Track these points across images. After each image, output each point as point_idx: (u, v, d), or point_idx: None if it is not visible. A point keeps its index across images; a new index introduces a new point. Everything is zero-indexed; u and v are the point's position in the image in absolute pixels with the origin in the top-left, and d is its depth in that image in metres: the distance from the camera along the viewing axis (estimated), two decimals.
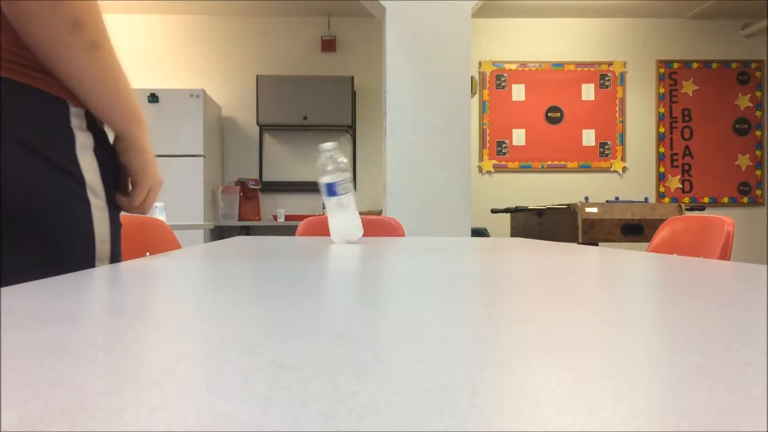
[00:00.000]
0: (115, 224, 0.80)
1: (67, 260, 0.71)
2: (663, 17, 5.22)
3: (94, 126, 0.77)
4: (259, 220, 4.76)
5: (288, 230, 4.98)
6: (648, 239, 3.08)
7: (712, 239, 1.33)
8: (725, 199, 5.25)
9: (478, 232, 4.43)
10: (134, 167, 0.81)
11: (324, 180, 1.25)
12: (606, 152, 5.21)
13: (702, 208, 3.57)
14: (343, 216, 1.26)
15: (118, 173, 0.82)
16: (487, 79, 5.18)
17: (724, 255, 1.27)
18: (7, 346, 0.23)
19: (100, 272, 0.54)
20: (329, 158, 1.26)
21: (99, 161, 0.77)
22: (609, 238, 3.12)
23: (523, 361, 0.21)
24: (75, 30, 0.68)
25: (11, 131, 0.66)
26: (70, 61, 0.69)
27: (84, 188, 0.74)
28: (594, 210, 3.13)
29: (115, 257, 0.80)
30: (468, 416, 0.15)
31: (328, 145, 1.25)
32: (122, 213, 0.85)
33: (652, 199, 5.22)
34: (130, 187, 0.84)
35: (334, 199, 1.25)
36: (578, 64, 5.20)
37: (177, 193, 4.22)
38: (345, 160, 1.26)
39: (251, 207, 4.80)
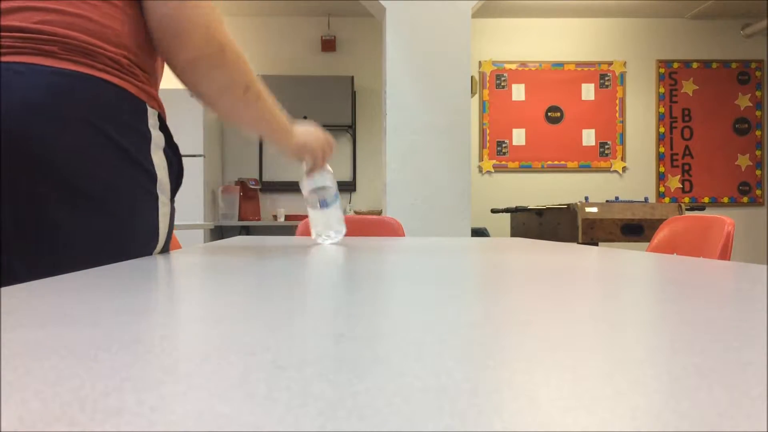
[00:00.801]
0: (172, 220, 0.87)
1: (129, 249, 0.76)
2: (663, 17, 5.22)
3: (165, 127, 0.84)
4: (259, 220, 4.76)
5: (288, 230, 4.98)
6: (648, 239, 3.08)
7: (712, 239, 1.33)
8: (725, 199, 5.25)
9: (478, 232, 4.43)
10: (299, 156, 1.10)
11: (304, 190, 1.25)
12: (606, 152, 5.21)
13: (702, 208, 3.57)
14: (320, 214, 1.24)
15: (181, 174, 0.90)
16: (487, 79, 5.18)
17: (724, 255, 1.27)
18: (7, 346, 0.23)
19: (100, 272, 0.54)
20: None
21: (168, 160, 0.84)
22: (609, 238, 3.12)
23: (523, 361, 0.21)
24: (245, 94, 0.87)
25: (96, 122, 0.72)
26: (238, 110, 0.90)
27: (155, 184, 0.80)
28: (594, 210, 3.13)
29: (165, 251, 0.87)
30: (468, 416, 0.15)
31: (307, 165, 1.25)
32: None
33: (652, 199, 5.22)
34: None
35: (316, 211, 1.23)
36: (578, 63, 5.20)
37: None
38: (329, 170, 1.25)
39: (251, 207, 4.80)
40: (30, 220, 0.69)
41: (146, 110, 0.79)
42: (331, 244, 1.24)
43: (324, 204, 1.22)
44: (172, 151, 0.85)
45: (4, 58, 0.69)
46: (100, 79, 0.73)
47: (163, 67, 0.90)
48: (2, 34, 0.70)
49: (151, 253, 0.81)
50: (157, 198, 0.81)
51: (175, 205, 0.92)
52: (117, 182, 0.74)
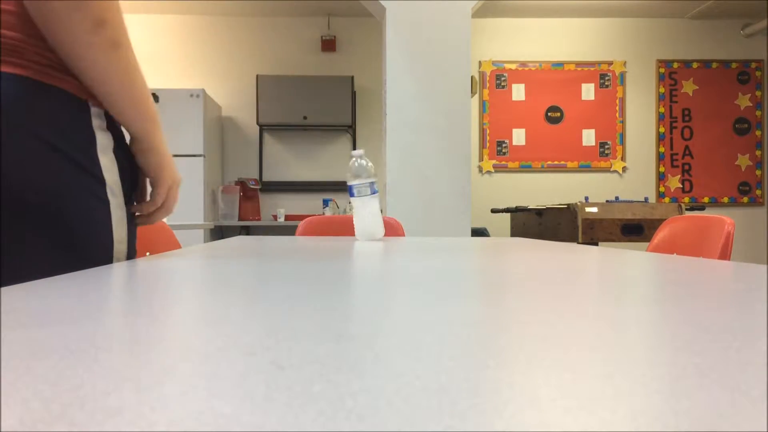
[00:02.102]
0: (131, 224, 0.82)
1: (86, 259, 0.72)
2: (663, 17, 5.22)
3: (113, 126, 0.78)
4: (259, 219, 4.76)
5: (288, 230, 4.98)
6: (648, 239, 3.08)
7: (712, 239, 1.33)
8: (725, 199, 5.25)
9: (478, 232, 4.43)
10: (152, 168, 0.82)
11: (349, 182, 1.39)
12: (606, 152, 5.21)
13: (702, 208, 3.57)
14: (364, 216, 1.38)
15: (136, 174, 0.83)
16: (487, 78, 5.18)
17: (724, 255, 1.27)
18: (7, 346, 0.23)
19: (100, 272, 0.54)
20: (356, 162, 1.39)
21: (118, 162, 0.78)
22: (609, 238, 3.12)
23: (523, 361, 0.21)
24: (96, 29, 0.68)
25: (34, 130, 0.66)
26: (90, 59, 0.69)
27: (104, 189, 0.75)
28: (594, 210, 3.13)
29: (131, 256, 0.82)
30: (468, 416, 0.15)
31: (355, 152, 1.39)
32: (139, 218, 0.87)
33: (652, 199, 5.22)
34: (149, 189, 0.85)
35: (356, 199, 1.36)
36: (578, 63, 5.20)
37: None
38: (370, 164, 1.38)
39: (251, 207, 4.80)
40: None
41: (89, 110, 0.73)
42: (370, 241, 1.34)
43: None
44: (122, 151, 0.79)
45: None
46: (34, 80, 0.67)
47: None
48: None
49: (111, 261, 0.76)
50: (108, 203, 0.75)
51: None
52: (62, 190, 0.69)
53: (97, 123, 0.74)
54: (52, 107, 0.69)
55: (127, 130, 0.80)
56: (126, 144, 0.81)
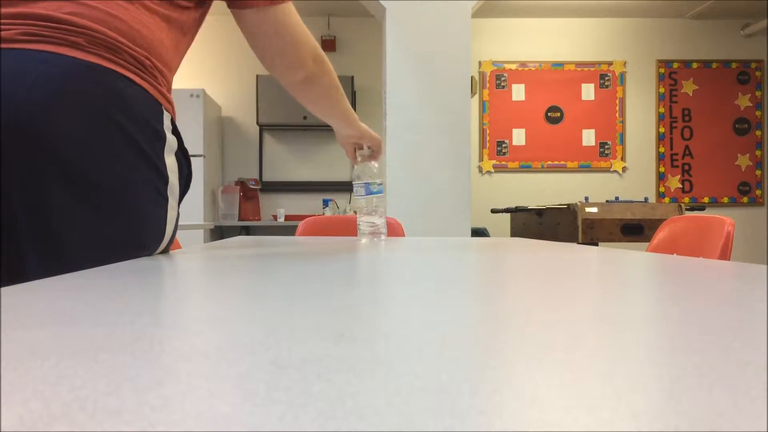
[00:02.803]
0: (176, 226, 0.87)
1: (137, 245, 0.76)
2: (663, 17, 5.22)
3: (177, 132, 0.84)
4: (259, 220, 4.76)
5: (288, 230, 4.98)
6: (648, 239, 3.08)
7: (712, 239, 1.33)
8: (725, 199, 5.25)
9: (478, 232, 4.43)
10: (374, 143, 1.31)
11: (354, 181, 1.42)
12: (606, 152, 5.21)
13: (702, 208, 3.57)
14: (367, 215, 1.39)
15: (190, 179, 0.90)
16: (487, 79, 5.18)
17: (724, 255, 1.27)
18: (7, 346, 0.23)
19: (100, 272, 0.54)
20: (360, 163, 1.43)
21: (179, 164, 0.84)
22: (609, 238, 3.12)
23: (523, 361, 0.21)
24: (336, 88, 1.10)
25: (117, 119, 0.72)
26: (325, 100, 1.12)
27: (166, 187, 0.80)
28: (594, 210, 3.13)
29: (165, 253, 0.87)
30: (468, 416, 0.15)
31: (361, 151, 1.43)
32: None
33: (652, 199, 5.22)
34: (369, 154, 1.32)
35: (360, 199, 1.38)
36: (578, 64, 5.21)
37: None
38: (376, 165, 1.41)
39: (251, 207, 4.80)
40: (40, 208, 0.68)
41: (162, 112, 0.80)
42: (370, 234, 1.36)
43: (369, 191, 1.37)
44: (183, 155, 0.85)
45: (30, 46, 0.69)
46: (123, 75, 0.73)
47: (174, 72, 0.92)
48: (29, 21, 0.70)
49: (152, 254, 0.80)
50: (167, 200, 0.80)
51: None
52: (131, 178, 0.74)
53: (167, 125, 0.80)
54: (134, 101, 0.75)
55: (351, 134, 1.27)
56: (185, 148, 0.87)
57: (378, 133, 1.36)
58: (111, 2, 0.75)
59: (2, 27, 0.70)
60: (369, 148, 1.32)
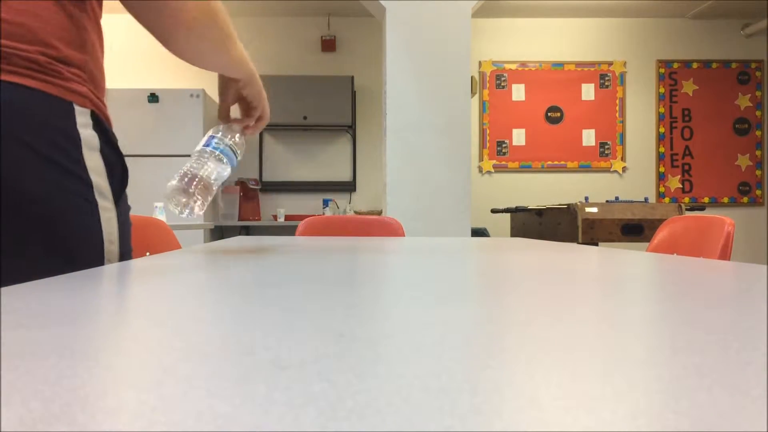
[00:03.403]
0: (123, 224, 0.81)
1: (76, 262, 0.71)
2: (663, 17, 5.22)
3: (100, 125, 0.77)
4: (259, 220, 4.76)
5: (288, 230, 4.98)
6: (648, 239, 3.08)
7: (712, 239, 1.33)
8: (725, 199, 5.25)
9: (478, 232, 4.43)
10: (256, 94, 1.01)
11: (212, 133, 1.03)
12: (606, 152, 5.21)
13: (702, 208, 3.57)
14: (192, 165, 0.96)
15: (126, 172, 0.83)
16: (487, 79, 5.18)
17: (724, 255, 1.27)
18: (7, 346, 0.23)
19: (100, 272, 0.54)
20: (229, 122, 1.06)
21: (105, 162, 0.77)
22: (609, 238, 3.12)
23: (523, 361, 0.21)
24: (190, 31, 0.80)
25: (15, 134, 0.66)
26: (210, 59, 0.87)
27: (91, 190, 0.74)
28: (594, 210, 3.13)
29: (124, 256, 0.81)
30: (468, 416, 0.15)
31: (237, 120, 1.07)
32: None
33: (652, 199, 5.22)
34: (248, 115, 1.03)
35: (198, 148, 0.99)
36: (578, 64, 5.20)
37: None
38: (239, 136, 1.04)
39: (251, 207, 4.80)
40: None
41: (73, 110, 0.72)
42: (175, 206, 0.92)
43: (217, 150, 0.98)
44: (111, 150, 0.79)
45: None
46: (13, 83, 0.66)
47: (102, 56, 0.83)
48: None
49: (102, 262, 0.76)
50: (95, 204, 0.74)
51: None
52: (48, 194, 0.68)
53: (83, 122, 0.73)
54: (33, 110, 0.68)
55: (239, 76, 0.96)
56: (113, 141, 0.80)
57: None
58: None
59: None
60: (247, 114, 1.01)
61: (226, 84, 1.00)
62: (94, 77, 0.79)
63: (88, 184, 0.74)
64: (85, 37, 0.77)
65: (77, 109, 0.73)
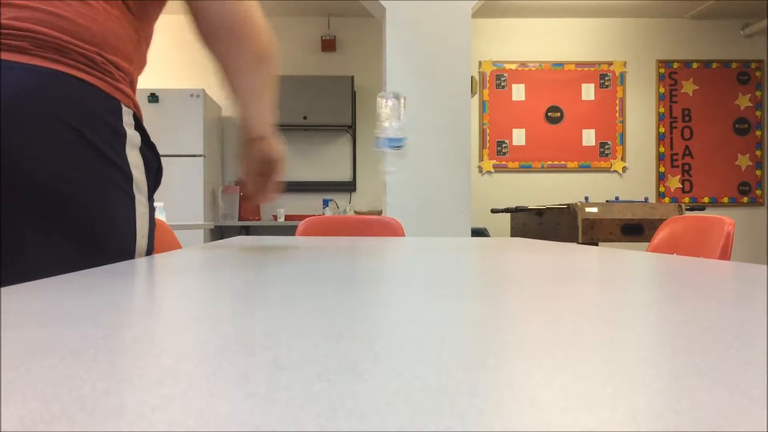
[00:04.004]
0: (152, 221, 0.85)
1: (108, 251, 0.75)
2: (663, 17, 5.22)
3: (141, 127, 0.82)
4: (259, 220, 4.76)
5: (288, 230, 4.98)
6: (648, 239, 3.08)
7: (712, 239, 1.33)
8: (725, 199, 5.25)
9: (478, 232, 4.43)
10: (277, 158, 0.96)
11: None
12: (606, 152, 5.21)
13: (702, 208, 3.57)
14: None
15: (160, 173, 0.88)
16: (487, 79, 5.18)
17: (724, 255, 1.27)
18: (7, 346, 0.23)
19: (100, 272, 0.54)
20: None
21: (144, 160, 0.82)
22: (609, 238, 3.12)
23: (523, 361, 0.21)
24: (259, 64, 0.89)
25: (68, 121, 0.70)
26: (251, 81, 0.90)
27: (131, 184, 0.78)
28: (594, 210, 3.13)
29: (149, 252, 0.85)
30: (468, 416, 0.15)
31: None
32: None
33: (652, 199, 5.22)
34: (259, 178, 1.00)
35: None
36: (578, 64, 5.20)
37: (177, 193, 4.22)
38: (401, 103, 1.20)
39: (251, 207, 4.80)
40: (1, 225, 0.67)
41: (121, 109, 0.77)
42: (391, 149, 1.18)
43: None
44: (149, 150, 0.83)
45: None
46: (73, 76, 0.72)
47: (142, 68, 0.89)
48: None
49: (132, 255, 0.79)
50: (133, 198, 0.78)
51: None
52: (91, 182, 0.72)
53: (128, 121, 0.78)
54: (87, 102, 0.73)
55: (255, 128, 0.94)
56: (152, 142, 0.85)
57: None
58: (54, 1, 0.73)
59: None
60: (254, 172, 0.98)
61: (247, 144, 0.97)
62: (134, 84, 0.85)
63: (129, 178, 0.78)
64: (135, 47, 0.83)
65: (123, 108, 0.78)
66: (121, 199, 0.76)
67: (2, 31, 0.69)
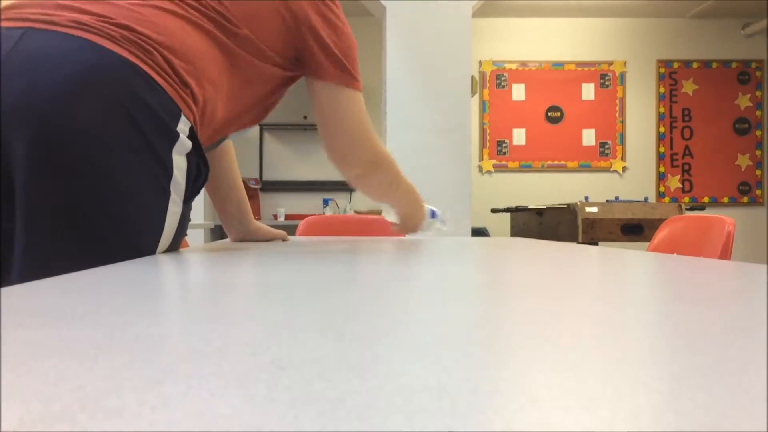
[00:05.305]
0: (181, 226, 0.87)
1: (133, 234, 0.77)
2: (663, 17, 5.22)
3: (196, 139, 0.85)
4: (259, 219, 4.74)
5: (288, 230, 4.96)
6: (648, 239, 3.08)
7: (713, 239, 1.33)
8: (725, 199, 5.25)
9: (478, 232, 4.43)
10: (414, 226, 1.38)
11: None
12: (606, 152, 5.21)
13: (702, 208, 3.57)
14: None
15: (201, 180, 0.90)
16: (487, 78, 5.18)
17: (725, 255, 1.27)
18: (7, 346, 0.23)
19: (100, 272, 0.54)
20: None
21: (189, 165, 0.84)
22: (609, 238, 3.12)
23: (523, 361, 0.21)
24: (393, 185, 1.26)
25: (134, 114, 0.74)
26: (384, 196, 1.30)
27: (169, 181, 0.80)
28: (594, 210, 3.13)
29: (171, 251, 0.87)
30: (468, 416, 0.15)
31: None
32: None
33: (652, 199, 5.22)
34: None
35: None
36: (578, 63, 5.20)
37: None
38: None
39: (251, 206, 4.79)
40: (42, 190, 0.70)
41: (180, 116, 0.81)
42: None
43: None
44: (198, 158, 0.86)
45: (71, 32, 0.73)
46: (146, 73, 0.76)
47: (235, 111, 0.96)
48: (74, 14, 0.76)
49: (154, 248, 0.80)
50: (168, 194, 0.80)
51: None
52: (132, 167, 0.75)
53: (182, 128, 0.81)
54: (150, 96, 0.77)
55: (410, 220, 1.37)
56: (202, 152, 0.88)
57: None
58: (158, 12, 0.81)
59: (49, 13, 0.76)
60: None
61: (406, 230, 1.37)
62: (206, 111, 0.88)
63: (169, 175, 0.80)
64: (226, 80, 0.90)
65: (183, 117, 0.81)
66: (157, 191, 0.79)
67: (97, 23, 0.76)
